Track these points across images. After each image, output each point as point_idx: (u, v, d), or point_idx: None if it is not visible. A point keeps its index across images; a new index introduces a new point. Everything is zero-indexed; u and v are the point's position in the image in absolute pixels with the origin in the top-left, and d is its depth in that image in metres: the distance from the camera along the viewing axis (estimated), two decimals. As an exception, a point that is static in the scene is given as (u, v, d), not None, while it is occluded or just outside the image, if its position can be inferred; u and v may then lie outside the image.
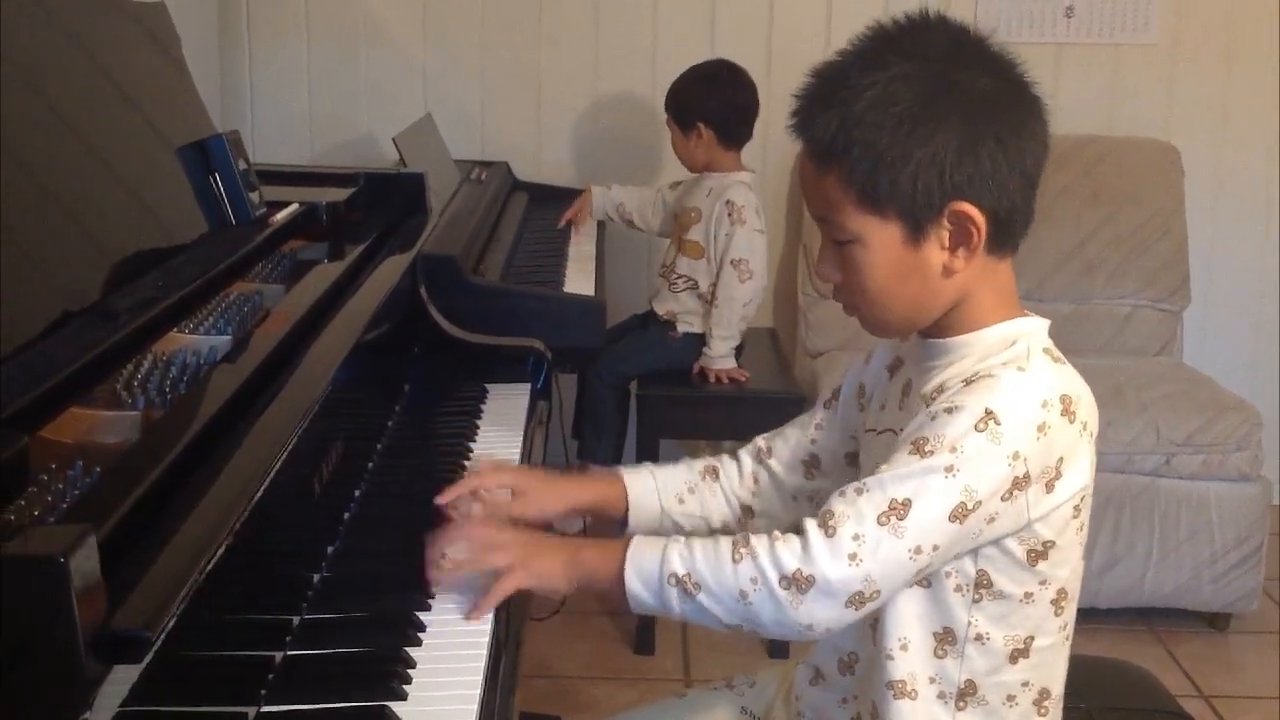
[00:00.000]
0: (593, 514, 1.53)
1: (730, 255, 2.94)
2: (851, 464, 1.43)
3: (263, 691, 1.14)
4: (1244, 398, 3.08)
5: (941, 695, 1.27)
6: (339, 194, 2.01)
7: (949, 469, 1.15)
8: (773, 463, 1.48)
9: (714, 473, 1.49)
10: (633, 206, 3.27)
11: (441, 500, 1.42)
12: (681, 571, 1.20)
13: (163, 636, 0.92)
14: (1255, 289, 3.66)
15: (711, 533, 1.43)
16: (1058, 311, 3.34)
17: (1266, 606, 3.11)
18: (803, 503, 1.46)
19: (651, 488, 1.47)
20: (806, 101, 1.23)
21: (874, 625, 1.27)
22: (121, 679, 0.89)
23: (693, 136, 3.00)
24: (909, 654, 1.26)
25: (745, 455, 1.50)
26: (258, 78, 3.58)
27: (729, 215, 2.94)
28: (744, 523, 1.47)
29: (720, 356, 2.98)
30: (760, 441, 1.50)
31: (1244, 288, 3.66)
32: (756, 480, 1.48)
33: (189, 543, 0.94)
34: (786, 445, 1.48)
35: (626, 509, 1.46)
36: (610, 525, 1.49)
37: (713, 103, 3.00)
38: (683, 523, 1.46)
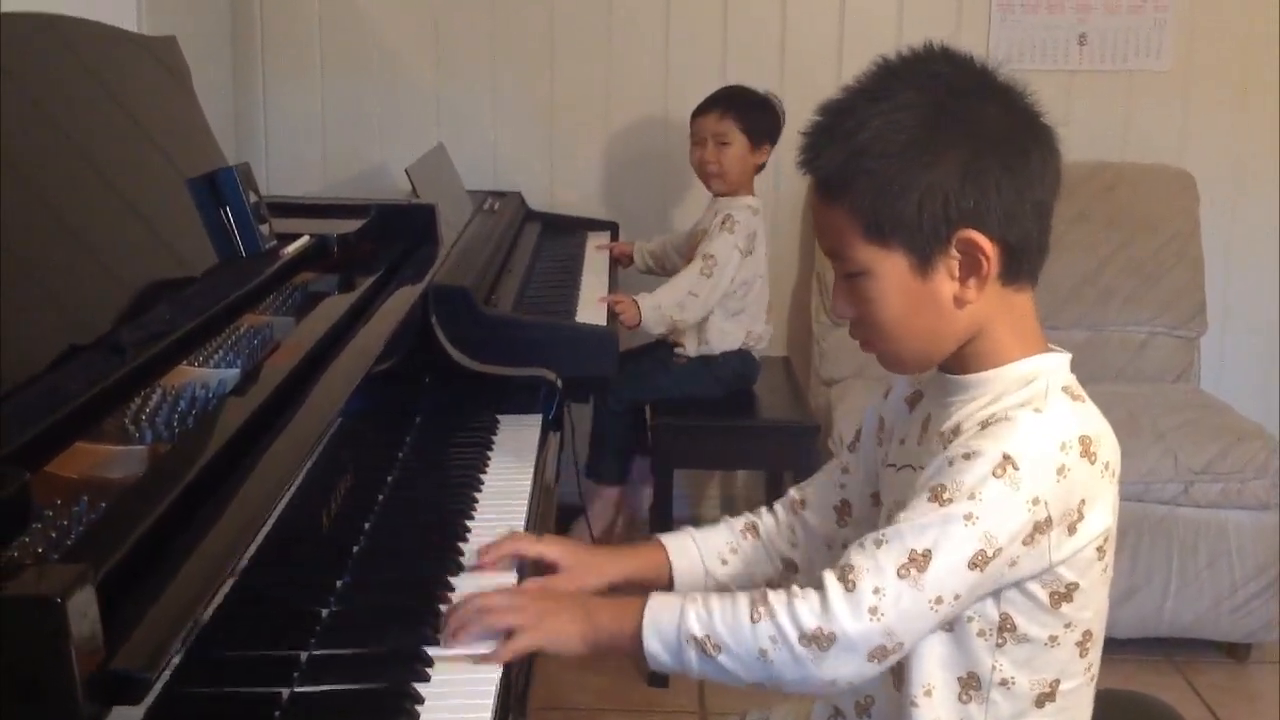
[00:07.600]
0: (636, 585, 1.45)
1: (705, 250, 2.99)
2: (876, 503, 1.40)
3: (269, 729, 1.13)
4: (1262, 424, 3.05)
5: None
6: (350, 226, 2.02)
7: (968, 517, 1.14)
8: (807, 514, 1.46)
9: (754, 529, 1.47)
10: (661, 249, 3.34)
11: (484, 561, 1.43)
12: (700, 634, 1.19)
13: (169, 673, 0.91)
14: (1272, 314, 3.63)
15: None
16: (1073, 339, 3.32)
17: (1288, 636, 3.07)
18: (838, 550, 1.40)
19: (694, 553, 1.44)
20: (813, 137, 1.23)
21: (896, 671, 1.25)
22: (126, 716, 0.87)
23: (759, 153, 3.06)
24: (933, 700, 1.24)
25: (780, 508, 1.48)
26: (272, 111, 3.59)
27: (722, 224, 3.01)
28: (788, 578, 1.44)
29: (649, 311, 2.93)
30: (793, 493, 1.49)
31: (1261, 313, 3.63)
32: (794, 532, 1.46)
33: (192, 581, 0.93)
34: (818, 494, 1.46)
35: (670, 577, 1.43)
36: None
37: (777, 127, 3.08)
38: (728, 584, 1.42)
